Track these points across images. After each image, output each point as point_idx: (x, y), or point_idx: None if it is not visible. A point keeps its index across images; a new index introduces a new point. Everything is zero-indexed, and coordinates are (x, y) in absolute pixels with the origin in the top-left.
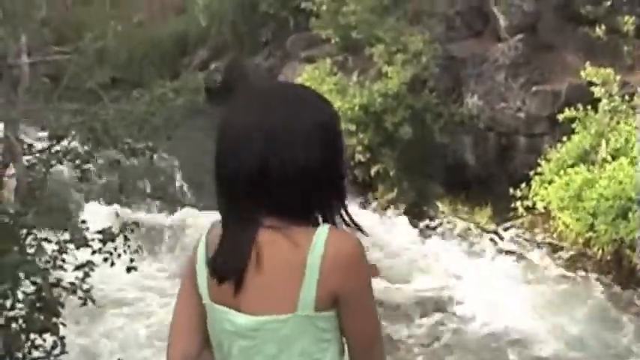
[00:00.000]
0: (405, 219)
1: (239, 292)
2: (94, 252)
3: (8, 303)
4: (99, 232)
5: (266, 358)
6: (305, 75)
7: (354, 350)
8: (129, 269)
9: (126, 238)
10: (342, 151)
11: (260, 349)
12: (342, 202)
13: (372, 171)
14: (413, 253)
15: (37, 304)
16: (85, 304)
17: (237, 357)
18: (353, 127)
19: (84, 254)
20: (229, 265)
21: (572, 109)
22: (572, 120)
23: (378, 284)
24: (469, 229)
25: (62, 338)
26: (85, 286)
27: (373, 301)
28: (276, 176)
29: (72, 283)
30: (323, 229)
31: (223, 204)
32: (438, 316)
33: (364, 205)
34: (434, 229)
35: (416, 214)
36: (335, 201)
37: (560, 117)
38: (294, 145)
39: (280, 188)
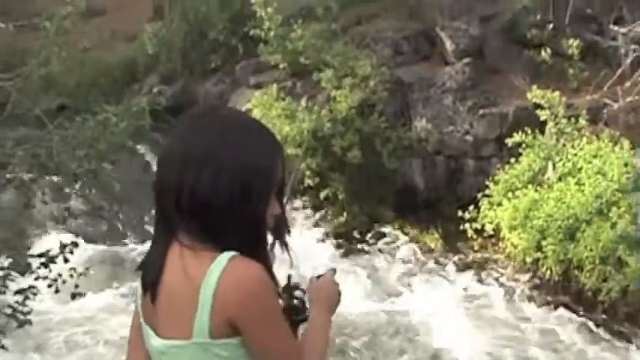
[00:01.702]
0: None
1: (156, 309)
2: (37, 278)
3: None
4: (40, 255)
5: None
6: (254, 100)
7: None
8: (73, 295)
9: (66, 260)
10: (263, 193)
11: None
12: (253, 240)
13: (322, 195)
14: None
15: None
16: (21, 326)
17: None
18: (301, 152)
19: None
20: (147, 275)
21: (520, 132)
22: (520, 144)
23: None
24: (416, 251)
25: None
26: (24, 309)
27: (279, 330)
28: (185, 202)
29: (12, 307)
30: (224, 256)
31: (154, 215)
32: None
33: (314, 230)
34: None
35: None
36: (245, 237)
37: (509, 142)
38: (202, 176)
39: (187, 214)
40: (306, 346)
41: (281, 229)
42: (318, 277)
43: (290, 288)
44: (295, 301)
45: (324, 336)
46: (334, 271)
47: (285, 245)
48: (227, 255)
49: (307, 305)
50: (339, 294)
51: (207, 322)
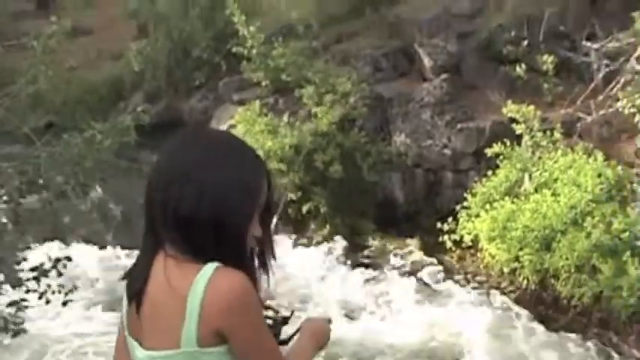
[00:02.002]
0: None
1: (141, 320)
2: (27, 291)
3: None
4: (32, 269)
5: None
6: (237, 116)
7: None
8: (64, 303)
9: (59, 274)
10: (245, 211)
11: None
12: (235, 255)
13: (304, 209)
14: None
15: None
16: (15, 336)
17: None
18: (284, 167)
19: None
20: (132, 284)
21: (498, 144)
22: (498, 155)
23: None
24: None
25: None
26: (17, 320)
27: (264, 343)
28: (170, 216)
29: (4, 319)
30: (208, 268)
31: (144, 227)
32: None
33: (296, 243)
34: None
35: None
36: (227, 252)
37: (488, 151)
38: (186, 191)
39: (172, 227)
40: None
41: (266, 253)
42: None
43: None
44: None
45: None
46: (330, 320)
47: (266, 269)
48: (212, 266)
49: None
50: (329, 337)
51: (195, 331)
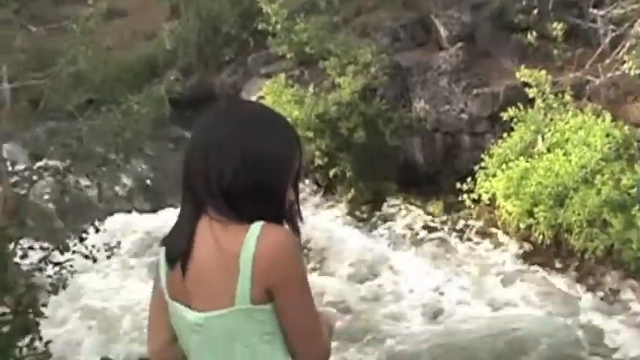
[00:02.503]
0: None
1: (186, 284)
2: (74, 252)
3: None
4: (73, 230)
5: (214, 350)
6: (265, 89)
7: (292, 343)
8: (109, 256)
9: (97, 230)
10: (282, 172)
11: (209, 343)
12: (277, 217)
13: (331, 173)
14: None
15: (20, 308)
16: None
17: (193, 350)
18: (311, 134)
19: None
20: (174, 250)
21: (512, 108)
22: (512, 118)
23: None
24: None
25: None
26: (61, 278)
27: (307, 295)
28: (214, 185)
29: (52, 284)
30: (256, 226)
31: (182, 196)
32: None
33: (324, 205)
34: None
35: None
36: (269, 215)
37: (504, 115)
38: (224, 164)
39: (216, 195)
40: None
41: (294, 215)
42: None
43: None
44: None
45: (327, 336)
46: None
47: (297, 230)
48: (259, 224)
49: None
50: (333, 331)
51: (249, 287)
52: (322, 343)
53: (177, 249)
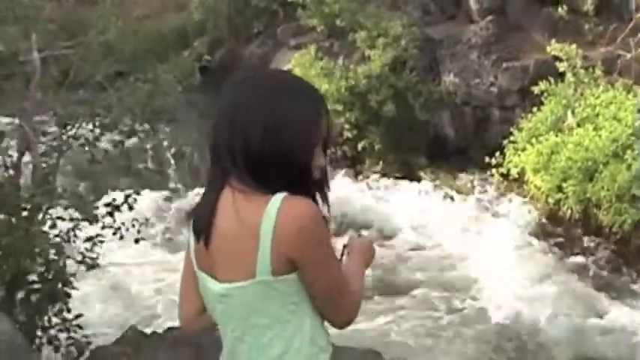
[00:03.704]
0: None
1: (211, 254)
2: (103, 227)
3: (28, 277)
4: (106, 204)
5: (239, 320)
6: (294, 61)
7: (321, 308)
8: (137, 240)
9: (130, 208)
10: (307, 141)
11: (233, 313)
12: (301, 186)
13: (359, 146)
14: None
15: (49, 276)
16: (90, 269)
17: (219, 319)
18: (340, 107)
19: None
20: (199, 219)
21: (543, 82)
22: (542, 92)
23: None
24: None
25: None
26: (92, 255)
27: (332, 263)
28: (238, 154)
29: (81, 254)
30: (278, 197)
31: (209, 168)
32: None
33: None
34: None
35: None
36: (294, 184)
37: (535, 89)
38: (252, 130)
39: (240, 164)
40: (346, 275)
41: (322, 183)
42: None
43: None
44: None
45: (361, 282)
46: (371, 240)
47: (325, 199)
48: (280, 196)
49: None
50: (374, 253)
51: (269, 259)
52: (349, 305)
53: (201, 221)
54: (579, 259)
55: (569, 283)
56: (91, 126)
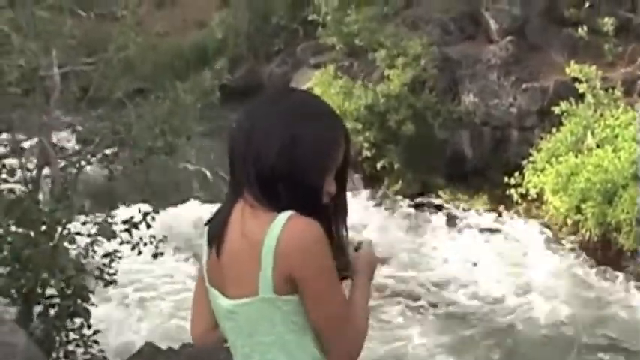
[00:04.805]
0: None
1: (221, 269)
2: (121, 242)
3: (46, 291)
4: (124, 222)
5: (246, 337)
6: (314, 79)
7: (321, 336)
8: (155, 255)
9: (148, 226)
10: (322, 162)
11: (240, 329)
12: (310, 207)
13: (378, 165)
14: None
15: (68, 292)
16: (108, 285)
17: (229, 335)
18: (359, 126)
19: (113, 244)
20: (212, 232)
21: (563, 102)
22: (561, 113)
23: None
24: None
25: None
26: (110, 271)
27: (333, 287)
28: (251, 168)
29: (99, 269)
30: (283, 215)
31: (228, 181)
32: None
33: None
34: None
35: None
36: (302, 204)
37: (555, 109)
38: (262, 150)
39: (252, 179)
40: (352, 306)
41: (341, 209)
42: (356, 248)
43: (341, 246)
44: (347, 257)
45: (366, 301)
46: (370, 242)
47: (344, 229)
48: (285, 214)
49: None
50: (376, 261)
51: (271, 277)
52: (351, 338)
53: (214, 233)
54: None
55: None
56: (110, 143)
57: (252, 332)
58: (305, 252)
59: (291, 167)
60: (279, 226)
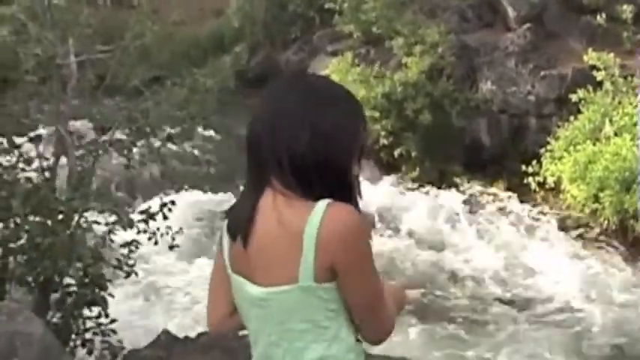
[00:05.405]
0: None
1: (248, 257)
2: (138, 232)
3: (64, 280)
4: (141, 212)
5: (276, 325)
6: (331, 67)
7: (357, 320)
8: (171, 247)
9: (165, 217)
10: (350, 147)
11: (271, 317)
12: (344, 191)
13: (396, 153)
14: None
15: (86, 280)
16: (128, 276)
17: (254, 323)
18: (377, 114)
19: (130, 234)
20: (237, 222)
21: (580, 90)
22: (579, 101)
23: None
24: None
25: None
26: (130, 262)
27: (372, 274)
28: (284, 157)
29: (118, 260)
30: (322, 203)
31: (246, 170)
32: None
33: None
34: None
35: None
36: (336, 189)
37: (573, 97)
38: (293, 137)
39: (286, 168)
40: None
41: (356, 190)
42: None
43: None
44: None
45: (393, 308)
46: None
47: (357, 207)
48: (324, 202)
49: None
50: (405, 298)
51: (312, 265)
52: (386, 319)
53: (240, 222)
54: None
55: None
56: (127, 131)
57: (283, 320)
58: (347, 240)
59: (324, 155)
60: (319, 215)
